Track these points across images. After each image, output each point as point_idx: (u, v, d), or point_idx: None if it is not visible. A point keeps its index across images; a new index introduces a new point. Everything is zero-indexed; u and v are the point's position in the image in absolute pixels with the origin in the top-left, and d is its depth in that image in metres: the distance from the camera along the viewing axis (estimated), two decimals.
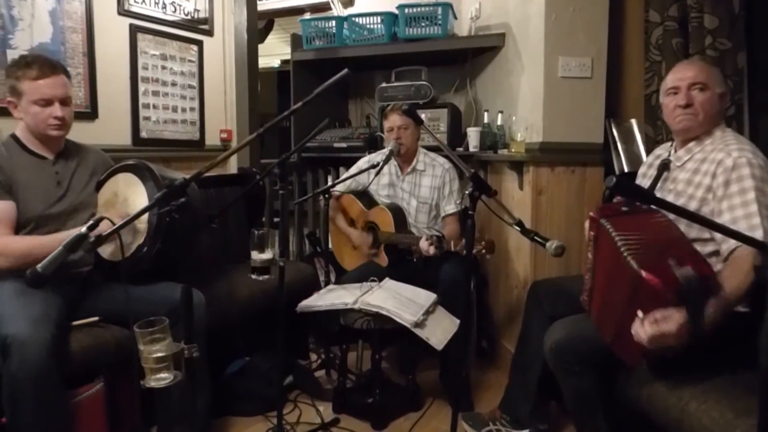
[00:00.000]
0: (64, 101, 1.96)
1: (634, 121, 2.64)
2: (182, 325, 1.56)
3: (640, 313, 1.42)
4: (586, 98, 2.53)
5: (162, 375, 1.38)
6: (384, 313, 2.19)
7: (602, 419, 1.75)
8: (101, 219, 1.42)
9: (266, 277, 2.00)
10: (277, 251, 1.98)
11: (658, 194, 1.76)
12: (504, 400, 2.22)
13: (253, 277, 2.00)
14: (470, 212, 1.70)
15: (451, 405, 2.39)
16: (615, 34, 2.55)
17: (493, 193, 1.71)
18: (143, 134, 3.09)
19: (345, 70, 1.36)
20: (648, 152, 2.55)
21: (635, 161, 2.61)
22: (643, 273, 1.40)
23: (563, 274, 2.49)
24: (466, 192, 1.68)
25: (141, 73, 3.05)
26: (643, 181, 1.94)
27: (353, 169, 2.83)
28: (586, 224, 1.80)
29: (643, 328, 1.39)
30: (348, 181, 2.79)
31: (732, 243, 1.52)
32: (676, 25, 2.25)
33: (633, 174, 2.53)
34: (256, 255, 1.99)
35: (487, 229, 2.99)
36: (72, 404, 1.80)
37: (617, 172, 2.61)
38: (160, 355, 1.36)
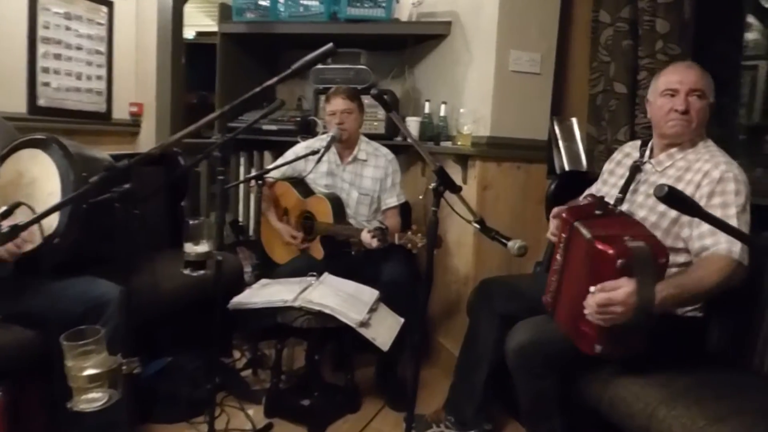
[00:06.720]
0: None
1: (574, 120, 2.67)
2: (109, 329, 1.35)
3: (592, 288, 1.42)
4: (534, 94, 2.50)
5: (94, 395, 1.15)
6: (328, 312, 2.05)
7: (558, 422, 1.73)
8: (18, 205, 1.16)
9: (202, 272, 1.79)
10: (213, 243, 1.77)
11: (629, 196, 1.76)
12: (449, 401, 2.16)
13: (186, 272, 1.77)
14: (434, 209, 1.61)
15: (394, 408, 2.31)
16: (564, 31, 2.54)
17: (458, 189, 1.64)
18: (41, 102, 2.73)
19: (330, 45, 1.19)
20: (588, 152, 2.58)
21: (576, 160, 2.64)
22: (598, 244, 1.42)
23: (506, 272, 2.47)
24: (430, 187, 1.59)
25: (41, 32, 2.69)
26: (611, 179, 1.91)
27: (290, 155, 2.63)
28: (552, 224, 1.76)
29: (592, 297, 1.41)
30: (283, 168, 2.59)
31: (708, 243, 1.53)
32: (627, 26, 2.26)
33: (576, 173, 2.56)
34: (190, 248, 1.75)
35: (423, 221, 2.91)
36: None
37: (558, 170, 2.62)
38: (92, 372, 1.14)
